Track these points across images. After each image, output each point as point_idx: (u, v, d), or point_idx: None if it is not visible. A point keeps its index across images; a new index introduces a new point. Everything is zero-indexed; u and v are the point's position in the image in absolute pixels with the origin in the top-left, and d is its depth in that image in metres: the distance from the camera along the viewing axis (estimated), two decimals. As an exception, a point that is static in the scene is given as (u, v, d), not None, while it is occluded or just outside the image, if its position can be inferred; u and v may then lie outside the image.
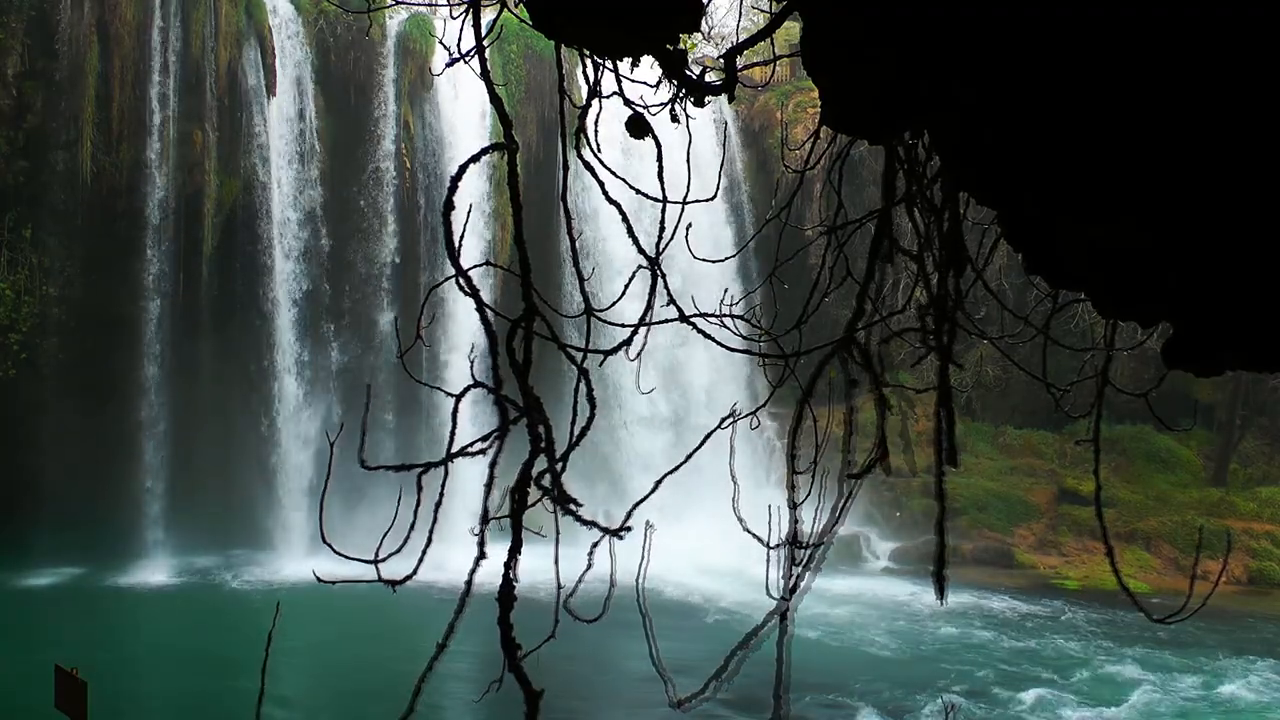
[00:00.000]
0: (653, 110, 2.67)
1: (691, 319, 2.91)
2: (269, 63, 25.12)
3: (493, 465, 2.26)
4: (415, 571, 2.27)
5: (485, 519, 2.21)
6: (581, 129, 2.73)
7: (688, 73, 2.27)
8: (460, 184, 2.35)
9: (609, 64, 2.55)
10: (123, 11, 23.36)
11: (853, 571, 23.71)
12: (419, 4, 4.35)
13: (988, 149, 1.77)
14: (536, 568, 2.90)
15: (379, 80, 26.40)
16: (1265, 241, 1.57)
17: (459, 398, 2.33)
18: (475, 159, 2.33)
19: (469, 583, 2.17)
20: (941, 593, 2.46)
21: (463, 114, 26.51)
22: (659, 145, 2.74)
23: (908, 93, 1.81)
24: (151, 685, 16.62)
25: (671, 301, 2.85)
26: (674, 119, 2.72)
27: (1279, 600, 23.33)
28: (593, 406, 2.47)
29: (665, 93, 2.58)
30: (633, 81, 2.75)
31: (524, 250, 2.44)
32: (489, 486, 2.25)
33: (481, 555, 2.16)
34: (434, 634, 2.25)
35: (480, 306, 2.31)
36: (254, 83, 24.92)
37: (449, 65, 3.14)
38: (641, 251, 2.75)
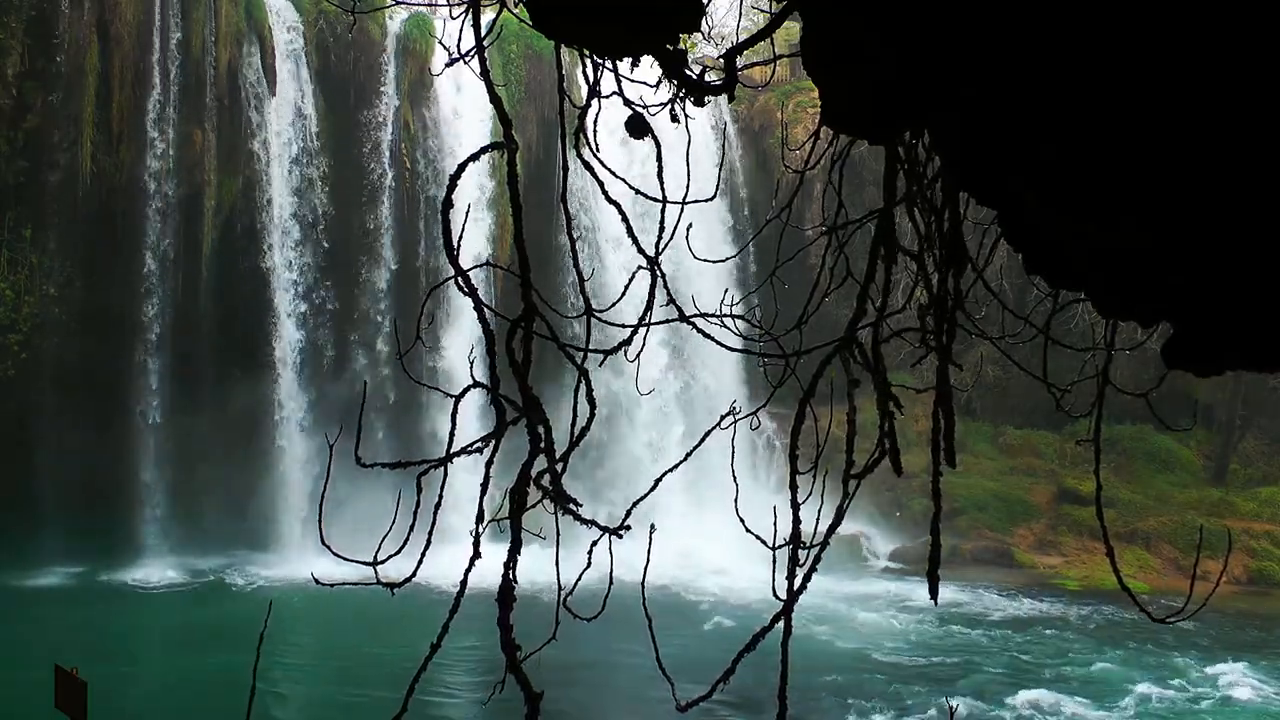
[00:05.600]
0: (653, 110, 2.67)
1: (691, 319, 2.91)
2: (269, 63, 25.12)
3: (489, 465, 2.26)
4: (415, 573, 2.26)
5: (480, 519, 2.21)
6: (581, 129, 2.73)
7: (688, 73, 2.27)
8: (460, 183, 2.35)
9: (609, 64, 2.55)
10: (123, 11, 23.35)
11: (853, 571, 23.70)
12: (419, 4, 4.35)
13: (988, 149, 1.76)
14: (538, 568, 2.90)
15: (379, 80, 26.39)
16: (1266, 241, 1.57)
17: (459, 398, 2.33)
18: (474, 158, 2.33)
19: (463, 583, 2.17)
20: (935, 592, 2.46)
21: (463, 114, 26.51)
22: (659, 145, 2.74)
23: (908, 93, 1.81)
24: (152, 685, 16.62)
25: (671, 301, 2.85)
26: (674, 119, 2.71)
27: (1279, 600, 23.33)
28: (592, 407, 2.46)
29: (665, 93, 2.57)
30: (633, 81, 2.75)
31: (523, 250, 2.43)
32: (485, 486, 2.24)
33: (476, 555, 2.16)
34: (435, 634, 2.25)
35: (479, 306, 2.31)
36: (254, 83, 24.92)
37: (449, 65, 3.13)
38: (641, 251, 2.75)
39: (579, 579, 2.35)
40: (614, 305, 2.70)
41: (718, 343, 3.01)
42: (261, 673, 15.07)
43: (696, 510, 21.38)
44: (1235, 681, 17.57)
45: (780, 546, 2.59)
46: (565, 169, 2.85)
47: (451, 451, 2.29)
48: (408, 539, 2.23)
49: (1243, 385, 27.61)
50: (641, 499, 2.53)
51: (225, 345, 24.82)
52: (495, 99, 2.64)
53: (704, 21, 2.18)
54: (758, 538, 2.67)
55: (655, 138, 2.59)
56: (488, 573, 2.18)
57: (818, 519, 2.74)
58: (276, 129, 25.20)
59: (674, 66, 2.22)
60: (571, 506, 2.24)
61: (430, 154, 26.73)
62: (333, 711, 15.83)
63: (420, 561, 2.23)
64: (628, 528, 2.41)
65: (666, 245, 2.69)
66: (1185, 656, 18.76)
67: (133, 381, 23.88)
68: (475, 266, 2.60)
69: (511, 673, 2.11)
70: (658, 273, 2.70)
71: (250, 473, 24.33)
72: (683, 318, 2.86)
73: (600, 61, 2.58)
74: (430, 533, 2.18)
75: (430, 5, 3.97)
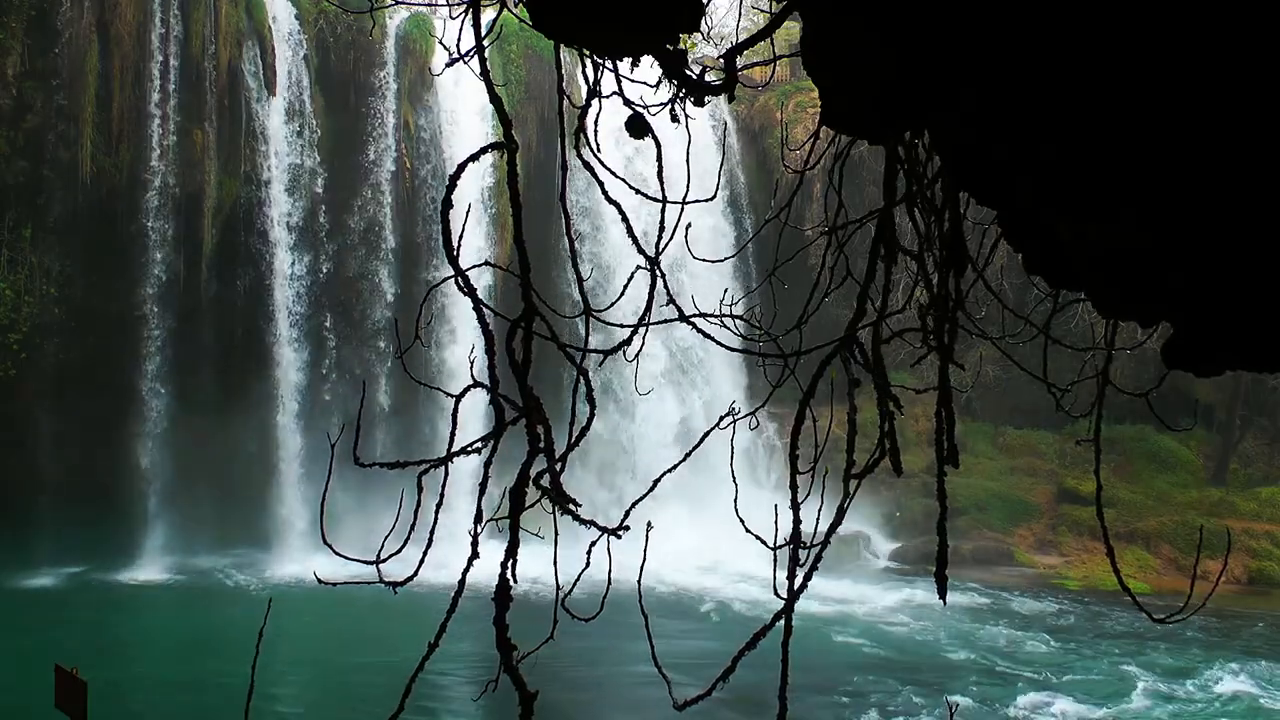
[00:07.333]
0: (653, 110, 2.67)
1: (691, 319, 2.91)
2: (269, 63, 25.12)
3: (488, 465, 2.26)
4: (416, 572, 2.26)
5: (479, 519, 2.21)
6: (581, 129, 2.73)
7: (688, 72, 2.27)
8: (459, 183, 2.35)
9: (609, 64, 2.55)
10: (123, 11, 23.35)
11: (852, 571, 23.70)
12: (419, 4, 4.34)
13: (988, 148, 1.76)
14: (540, 569, 2.90)
15: (379, 80, 26.39)
16: (1265, 242, 1.57)
17: (459, 398, 2.33)
18: (474, 158, 2.32)
19: (461, 582, 2.17)
20: (943, 593, 2.46)
21: (463, 114, 26.51)
22: (659, 145, 2.74)
23: (908, 93, 1.81)
24: (151, 684, 16.61)
25: (671, 301, 2.85)
26: (674, 119, 2.71)
27: (1279, 600, 23.33)
28: (591, 406, 2.46)
29: (665, 93, 2.57)
30: (633, 81, 2.75)
31: (523, 250, 2.43)
32: (484, 486, 2.24)
33: (474, 555, 2.16)
34: (433, 634, 2.25)
35: (478, 306, 2.31)
36: (254, 83, 24.92)
37: (449, 65, 3.13)
38: (641, 251, 2.74)
39: (578, 579, 2.35)
40: (613, 305, 2.70)
41: (718, 343, 3.01)
42: (261, 672, 15.06)
43: (695, 510, 21.38)
44: (1235, 681, 17.57)
45: (781, 546, 2.59)
46: (565, 169, 2.84)
47: (451, 451, 2.29)
48: (408, 539, 2.23)
49: (1243, 385, 27.62)
50: (640, 499, 2.53)
51: (225, 345, 24.82)
52: (495, 99, 2.64)
53: (704, 21, 2.18)
54: (758, 538, 2.67)
55: (655, 138, 2.58)
56: (491, 573, 2.18)
57: (818, 519, 2.74)
58: (276, 129, 25.20)
59: (674, 66, 2.22)
60: (570, 507, 2.24)
61: (430, 153, 26.73)
62: (332, 711, 15.83)
63: (422, 561, 2.23)
64: (626, 528, 2.41)
65: (666, 245, 2.69)
66: (1185, 656, 18.76)
67: (132, 381, 23.87)
68: (474, 266, 2.60)
69: (507, 673, 2.11)
70: (658, 273, 2.70)
71: (250, 472, 24.32)
72: (682, 318, 2.86)
73: (600, 61, 2.58)
74: (431, 532, 2.18)
75: (430, 5, 3.97)
